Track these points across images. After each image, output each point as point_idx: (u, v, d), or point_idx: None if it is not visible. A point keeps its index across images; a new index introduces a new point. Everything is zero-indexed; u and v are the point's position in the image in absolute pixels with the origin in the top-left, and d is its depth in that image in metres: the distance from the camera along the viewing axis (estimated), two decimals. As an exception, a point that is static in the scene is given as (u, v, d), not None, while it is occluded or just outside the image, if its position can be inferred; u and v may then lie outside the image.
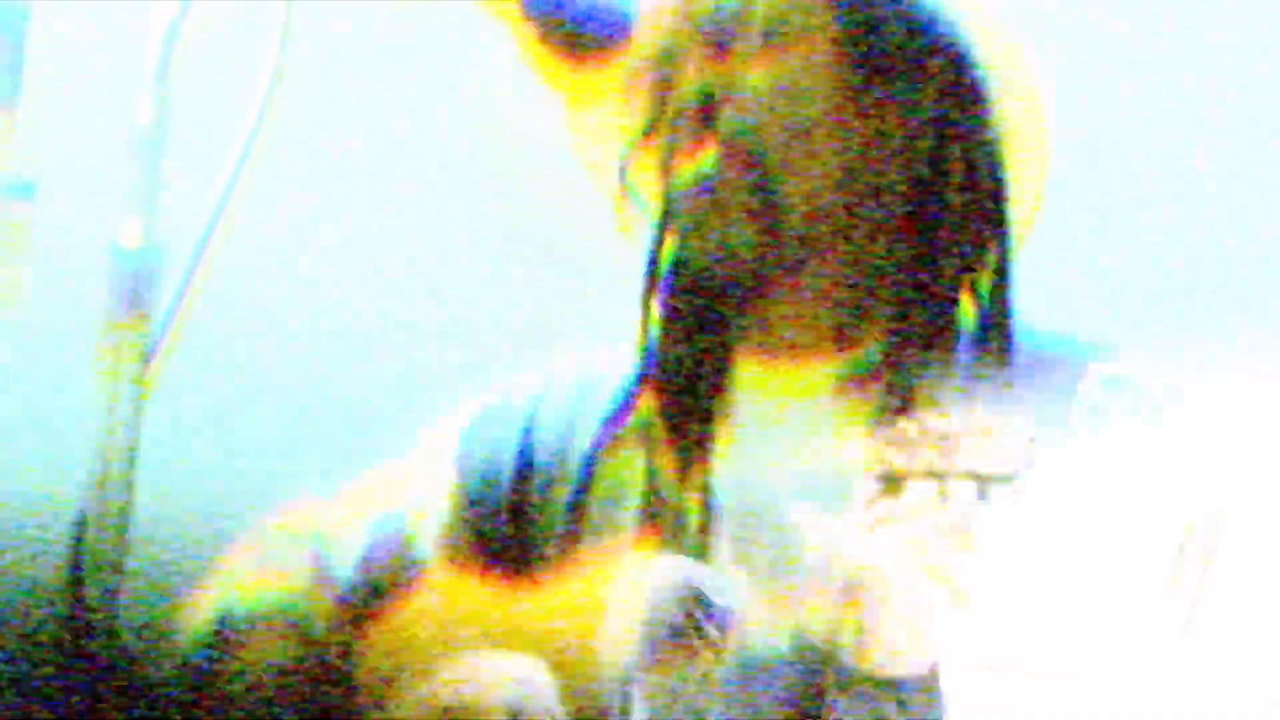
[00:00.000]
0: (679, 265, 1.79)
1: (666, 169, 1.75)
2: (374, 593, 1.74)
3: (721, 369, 1.79)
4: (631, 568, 1.65)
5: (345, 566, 1.77)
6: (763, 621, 1.59)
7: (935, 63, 1.75)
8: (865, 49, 1.74)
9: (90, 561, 1.44)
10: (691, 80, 1.73)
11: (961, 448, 1.47)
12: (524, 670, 1.64)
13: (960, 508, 1.55)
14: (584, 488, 1.79)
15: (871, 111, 1.75)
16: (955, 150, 1.76)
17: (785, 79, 1.73)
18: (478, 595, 1.73)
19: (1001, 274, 1.77)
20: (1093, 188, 3.34)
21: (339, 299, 3.45)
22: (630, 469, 1.79)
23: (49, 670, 1.47)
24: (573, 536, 1.77)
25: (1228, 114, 3.17)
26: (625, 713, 1.60)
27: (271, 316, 3.38)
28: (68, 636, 1.45)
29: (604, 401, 1.83)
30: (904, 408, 1.63)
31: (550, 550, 1.77)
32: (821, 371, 1.78)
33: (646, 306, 1.81)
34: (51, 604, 1.48)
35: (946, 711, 1.64)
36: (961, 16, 1.75)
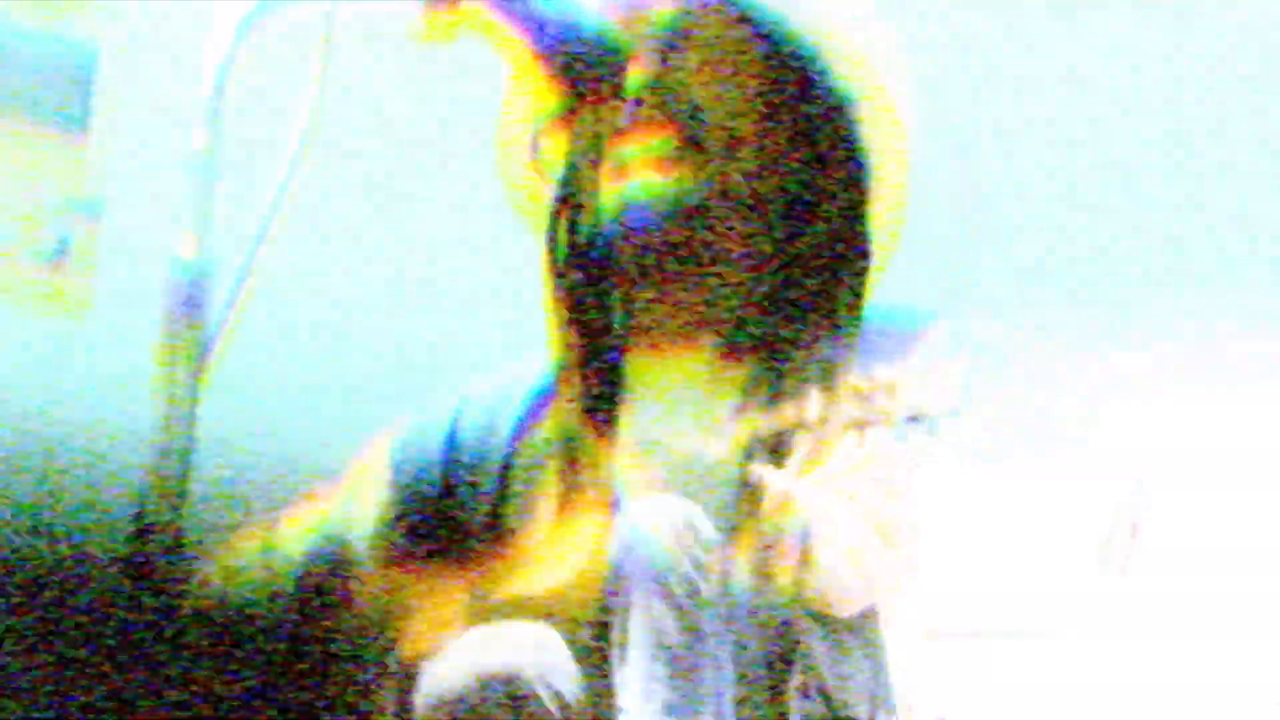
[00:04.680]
0: (571, 247, 1.89)
1: (572, 148, 1.86)
2: (316, 591, 1.83)
3: (616, 350, 1.90)
4: (618, 511, 1.75)
5: (289, 570, 1.86)
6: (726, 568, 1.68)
7: (836, 123, 1.88)
8: (789, 109, 1.88)
9: (151, 541, 1.46)
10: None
11: (906, 393, 1.57)
12: (544, 635, 1.72)
13: (896, 464, 1.68)
14: (503, 484, 1.90)
15: (785, 159, 1.88)
16: (833, 186, 1.88)
17: (710, 133, 1.86)
18: (425, 580, 1.82)
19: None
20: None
21: (369, 302, 3.52)
22: (542, 465, 1.89)
23: (114, 617, 1.50)
24: (497, 526, 1.87)
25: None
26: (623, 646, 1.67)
27: (311, 319, 3.44)
28: (132, 594, 1.46)
29: (517, 409, 1.95)
30: (778, 388, 1.75)
31: (476, 540, 1.87)
32: (695, 354, 1.88)
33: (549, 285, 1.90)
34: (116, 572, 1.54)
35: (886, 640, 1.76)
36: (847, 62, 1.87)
